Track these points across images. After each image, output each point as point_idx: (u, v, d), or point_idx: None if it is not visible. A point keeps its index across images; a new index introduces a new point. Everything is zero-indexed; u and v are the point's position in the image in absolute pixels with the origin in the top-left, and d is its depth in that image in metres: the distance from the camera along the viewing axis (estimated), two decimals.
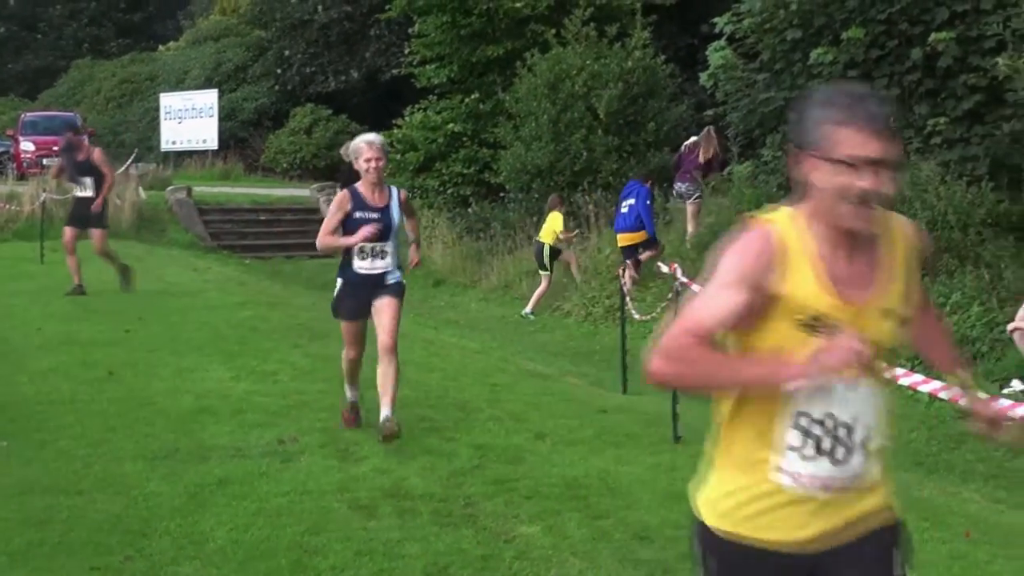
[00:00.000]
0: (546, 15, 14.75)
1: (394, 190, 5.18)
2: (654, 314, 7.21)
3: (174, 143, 22.60)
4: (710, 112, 11.68)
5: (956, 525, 4.30)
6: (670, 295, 6.42)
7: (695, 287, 5.38)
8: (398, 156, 15.31)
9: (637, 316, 7.53)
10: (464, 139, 15.51)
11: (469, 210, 14.96)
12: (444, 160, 15.54)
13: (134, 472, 4.74)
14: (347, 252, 5.03)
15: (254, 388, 6.45)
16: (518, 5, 14.77)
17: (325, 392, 6.18)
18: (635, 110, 13.07)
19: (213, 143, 22.07)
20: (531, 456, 5.22)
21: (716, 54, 10.79)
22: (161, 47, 30.02)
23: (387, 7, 17.27)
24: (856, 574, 1.72)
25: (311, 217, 15.60)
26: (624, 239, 10.71)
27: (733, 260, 1.63)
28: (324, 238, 5.02)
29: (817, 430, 1.63)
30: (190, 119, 22.05)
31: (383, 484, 4.63)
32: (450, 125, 15.46)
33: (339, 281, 5.17)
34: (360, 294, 5.05)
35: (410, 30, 16.77)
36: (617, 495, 4.68)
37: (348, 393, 5.39)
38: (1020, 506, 5.11)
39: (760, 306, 1.60)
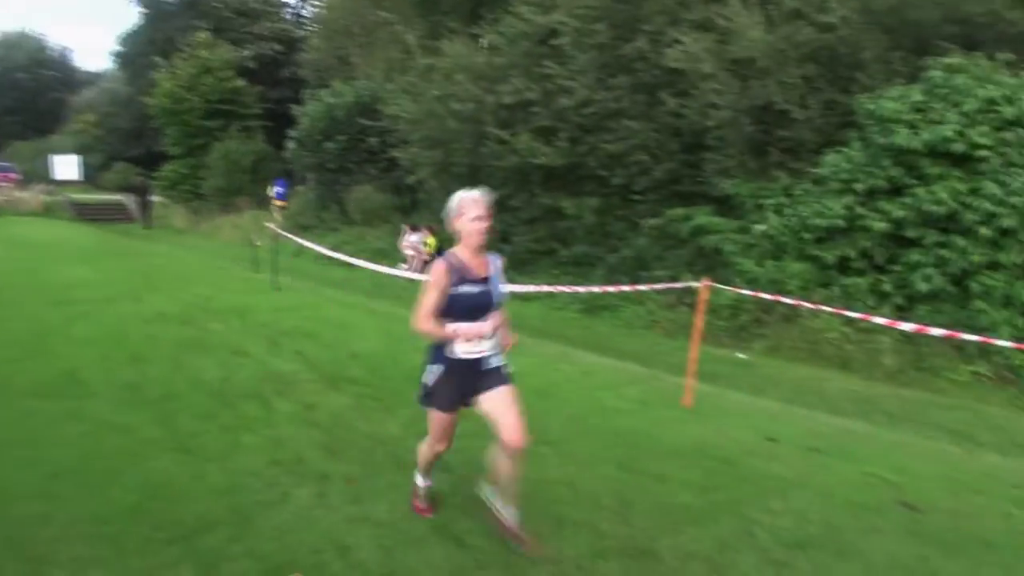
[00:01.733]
0: (221, 127, 30.01)
1: (493, 257, 4.18)
2: None
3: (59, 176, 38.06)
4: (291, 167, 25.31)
5: None
6: None
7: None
8: (163, 182, 31.27)
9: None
10: (188, 176, 30.39)
11: (191, 203, 29.69)
12: (181, 183, 30.28)
13: (37, 310, 9.27)
14: None
15: (96, 275, 12.29)
16: (209, 124, 30.01)
17: (129, 276, 12.45)
18: (259, 165, 29.53)
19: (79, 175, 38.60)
20: (217, 297, 10.34)
21: (293, 144, 23.80)
22: (52, 136, 48.07)
23: (156, 121, 31.47)
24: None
25: (122, 206, 31.91)
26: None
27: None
28: (425, 324, 3.97)
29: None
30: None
31: (152, 311, 9.47)
32: (182, 170, 30.78)
33: (435, 367, 4.11)
34: (462, 382, 4.09)
35: (164, 131, 31.13)
36: (252, 311, 9.12)
37: (421, 481, 4.54)
38: None
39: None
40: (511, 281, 9.88)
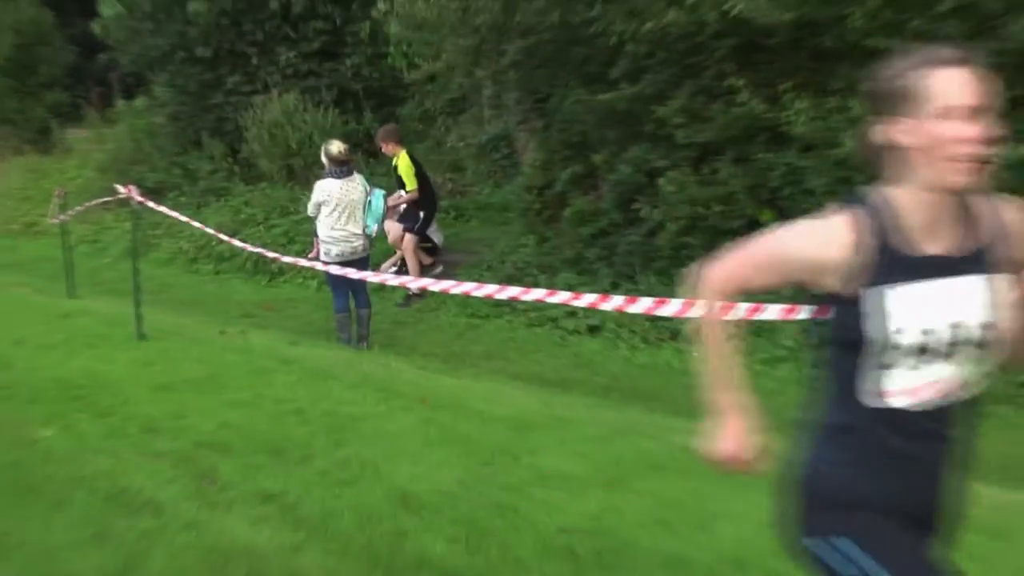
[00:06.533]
0: None
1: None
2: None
3: None
4: (103, 56, 14.92)
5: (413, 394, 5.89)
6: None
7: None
8: None
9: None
10: None
11: None
12: None
13: None
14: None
15: None
16: None
17: None
18: (28, 56, 16.25)
19: None
20: (18, 361, 6.60)
21: (107, 7, 12.86)
22: None
23: None
24: None
25: None
26: None
27: None
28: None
29: None
30: None
31: None
32: None
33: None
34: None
35: None
36: (112, 391, 5.89)
37: None
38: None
39: None
40: (634, 290, 7.81)
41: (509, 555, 3.93)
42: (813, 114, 7.41)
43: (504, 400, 6.08)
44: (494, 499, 4.49)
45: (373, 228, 7.96)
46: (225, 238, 8.34)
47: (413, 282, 7.45)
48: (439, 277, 8.38)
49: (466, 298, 8.67)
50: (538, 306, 8.23)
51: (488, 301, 8.48)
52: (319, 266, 7.59)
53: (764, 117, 7.66)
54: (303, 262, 7.70)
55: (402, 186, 8.98)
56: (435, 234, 9.80)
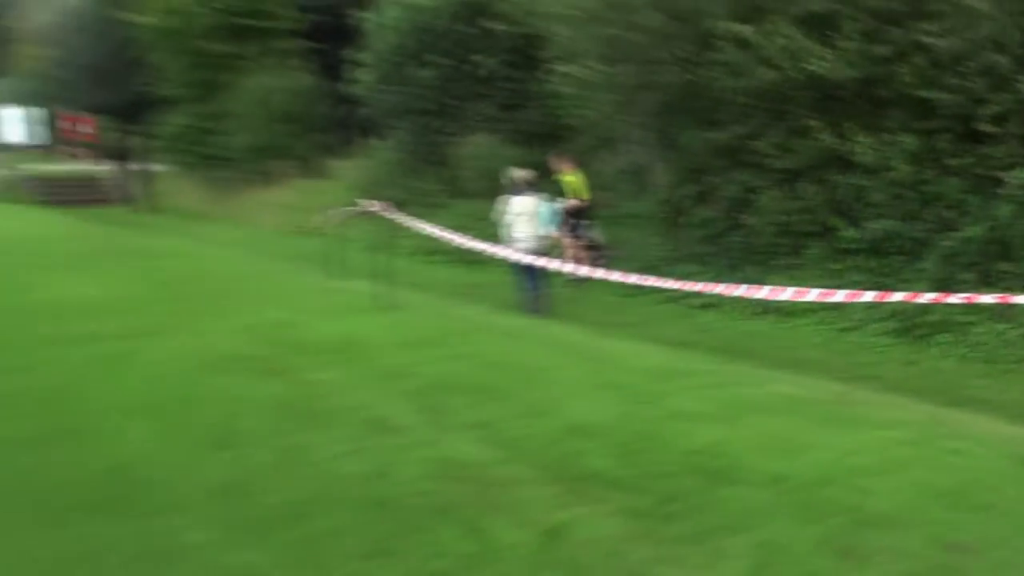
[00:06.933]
0: (247, 55, 20.76)
1: None
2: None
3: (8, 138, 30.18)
4: (359, 109, 17.24)
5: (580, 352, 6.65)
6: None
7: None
8: (165, 142, 22.36)
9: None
10: (205, 131, 21.30)
11: (211, 173, 21.19)
12: (195, 144, 21.35)
13: (39, 356, 6.60)
14: None
15: (104, 292, 9.18)
16: (228, 49, 20.63)
17: (154, 290, 9.39)
18: (301, 109, 19.40)
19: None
20: (304, 324, 7.55)
21: (363, 74, 15.70)
22: None
23: (144, 50, 22.47)
24: None
25: (104, 182, 24.74)
26: None
27: None
28: None
29: None
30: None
31: (217, 351, 6.69)
32: (195, 123, 21.51)
33: None
34: None
35: (158, 66, 21.96)
36: (367, 346, 6.85)
37: None
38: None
39: None
40: (738, 278, 8.65)
41: (656, 469, 4.38)
42: (873, 146, 8.86)
43: (645, 357, 6.74)
44: (643, 429, 5.01)
45: (546, 231, 9.44)
46: (447, 235, 8.85)
47: (578, 269, 8.37)
48: (602, 267, 9.13)
49: (613, 284, 9.83)
50: (667, 289, 9.13)
51: (630, 285, 9.47)
52: (510, 256, 8.72)
53: (835, 149, 9.09)
54: (500, 252, 8.45)
55: (564, 196, 10.61)
56: (597, 235, 11.20)
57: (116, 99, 28.26)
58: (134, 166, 21.05)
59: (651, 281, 6.47)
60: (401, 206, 13.02)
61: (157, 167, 21.66)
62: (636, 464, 4.49)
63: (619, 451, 4.66)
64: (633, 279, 5.96)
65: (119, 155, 21.50)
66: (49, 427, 5.14)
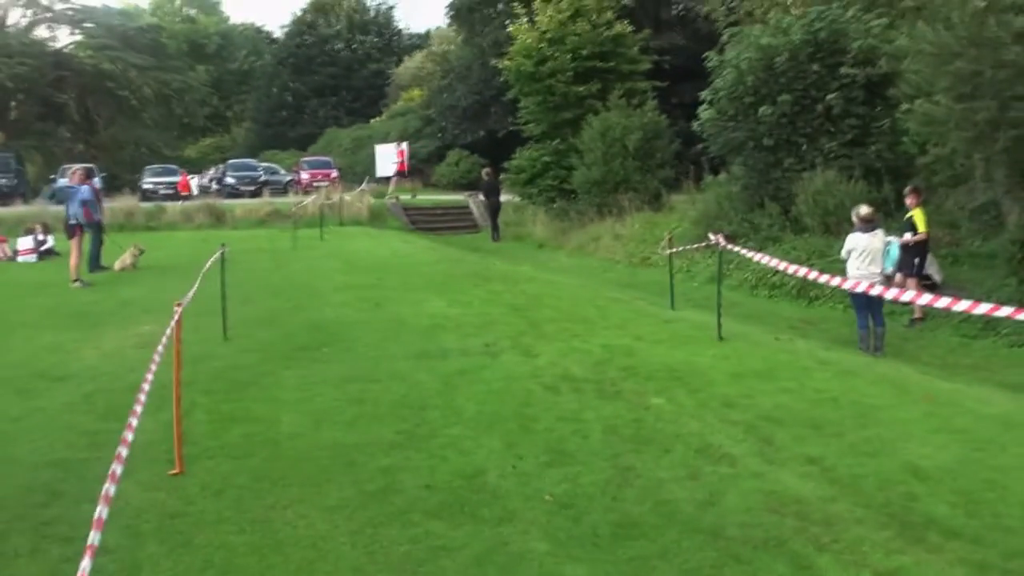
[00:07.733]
0: (596, 94, 22.53)
1: None
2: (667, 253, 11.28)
3: (382, 173, 34.30)
4: (699, 145, 18.52)
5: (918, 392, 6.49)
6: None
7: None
8: (513, 175, 24.52)
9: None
10: (551, 165, 23.54)
11: (555, 204, 23.15)
12: (541, 177, 23.75)
13: (405, 367, 7.42)
14: None
15: (461, 312, 10.11)
16: (580, 90, 22.71)
17: (504, 313, 9.99)
18: (649, 146, 20.74)
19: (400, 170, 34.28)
20: (639, 352, 7.77)
21: (704, 112, 16.30)
22: (372, 120, 47.19)
23: (506, 93, 26.08)
24: None
25: (464, 211, 27.65)
26: None
27: None
28: None
29: None
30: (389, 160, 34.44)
31: (556, 372, 7.09)
32: (544, 158, 23.66)
33: None
34: None
35: (519, 105, 24.78)
36: (700, 375, 6.91)
37: None
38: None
39: None
40: None
41: (1000, 523, 4.02)
42: None
43: (989, 402, 6.29)
44: (986, 477, 4.63)
45: (889, 269, 9.16)
46: (791, 268, 7.87)
47: (918, 299, 7.34)
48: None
49: (957, 323, 9.61)
50: (1020, 329, 8.83)
51: (975, 325, 9.31)
52: (850, 290, 8.37)
53: None
54: (844, 285, 7.57)
55: (913, 231, 10.22)
56: (936, 273, 10.81)
57: (478, 136, 33.55)
58: (493, 197, 23.24)
59: (1004, 312, 5.59)
60: (735, 239, 13.23)
61: (512, 198, 23.93)
62: (976, 514, 4.22)
63: (958, 499, 4.40)
64: (982, 309, 5.00)
65: (485, 188, 23.91)
66: (410, 435, 5.63)
